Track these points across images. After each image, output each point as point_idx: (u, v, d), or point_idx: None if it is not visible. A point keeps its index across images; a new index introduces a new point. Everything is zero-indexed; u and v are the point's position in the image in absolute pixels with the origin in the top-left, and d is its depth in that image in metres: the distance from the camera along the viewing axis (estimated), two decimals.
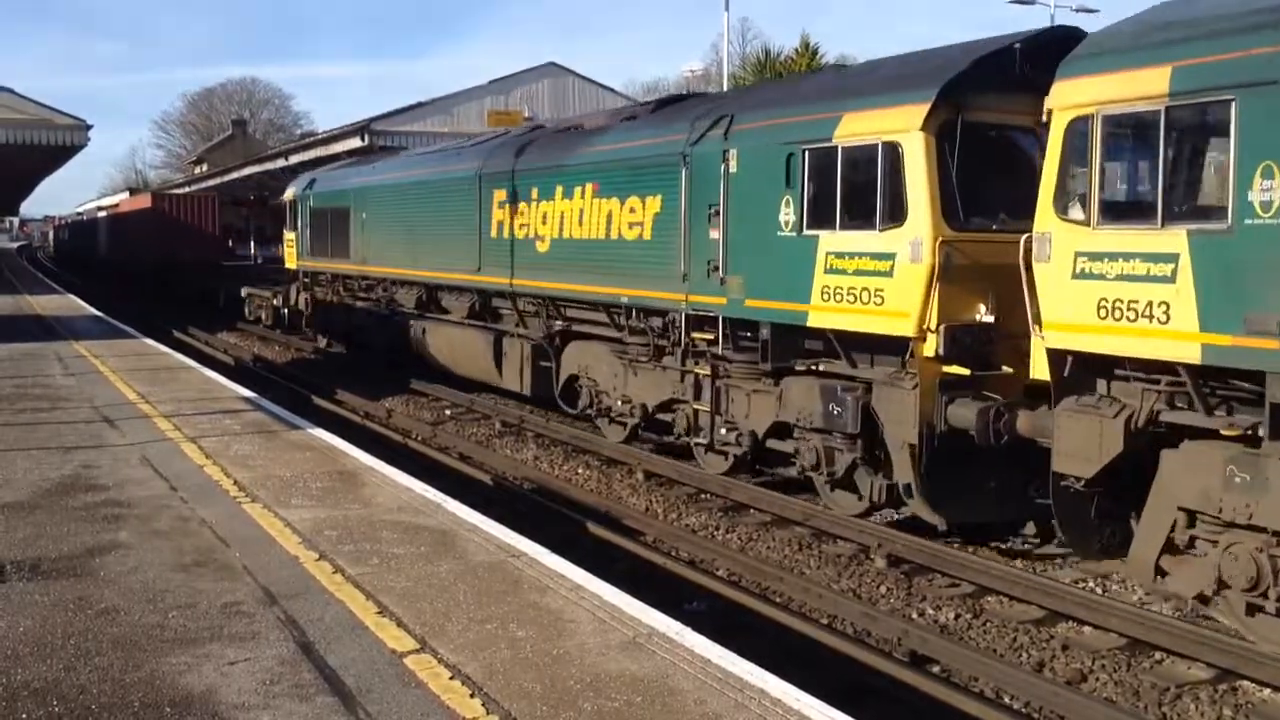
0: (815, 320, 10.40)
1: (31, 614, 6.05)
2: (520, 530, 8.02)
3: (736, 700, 5.00)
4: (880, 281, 9.64)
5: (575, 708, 4.92)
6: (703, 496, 12.26)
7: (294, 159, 39.18)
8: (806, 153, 10.39)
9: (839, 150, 10.06)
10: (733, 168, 11.33)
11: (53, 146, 23.67)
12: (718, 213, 11.46)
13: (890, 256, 9.55)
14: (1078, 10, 36.05)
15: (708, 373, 12.14)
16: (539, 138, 16.39)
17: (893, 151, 9.56)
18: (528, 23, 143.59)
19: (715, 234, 11.53)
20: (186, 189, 56.77)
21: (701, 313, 12.00)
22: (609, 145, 13.92)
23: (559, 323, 15.28)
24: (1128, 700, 7.16)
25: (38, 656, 5.46)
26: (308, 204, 25.06)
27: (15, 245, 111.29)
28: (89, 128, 23.56)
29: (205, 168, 70.21)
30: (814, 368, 10.91)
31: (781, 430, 11.27)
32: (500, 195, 15.94)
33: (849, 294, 9.95)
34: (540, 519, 10.92)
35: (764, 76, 32.49)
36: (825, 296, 10.20)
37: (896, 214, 9.55)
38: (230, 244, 48.23)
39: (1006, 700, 7.17)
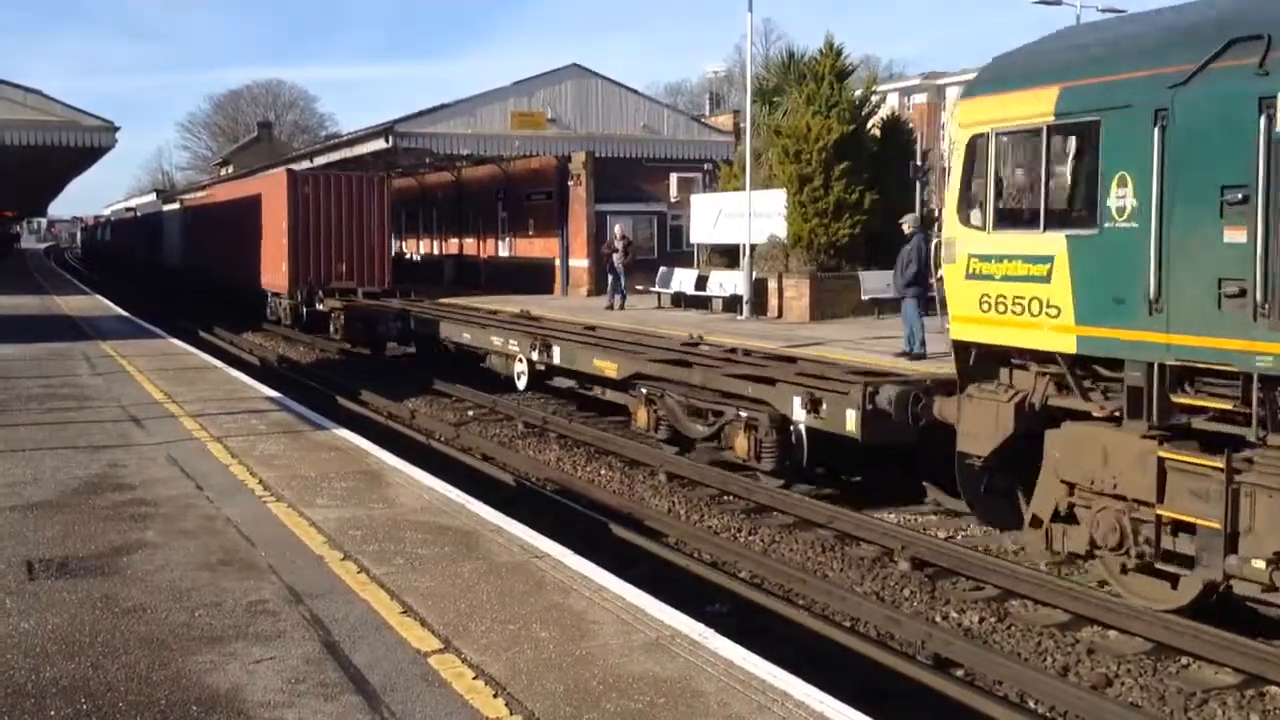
0: None
1: (59, 612, 6.10)
2: (543, 531, 8.03)
3: (760, 703, 4.99)
4: None
5: (598, 708, 4.93)
6: (725, 498, 12.24)
7: (319, 160, 39.36)
8: None
9: None
10: None
11: (80, 148, 23.89)
12: None
13: None
14: (1104, 11, 35.83)
15: None
16: None
17: None
18: (549, 24, 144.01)
19: None
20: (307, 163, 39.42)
21: None
22: None
23: None
24: (1154, 705, 7.12)
25: (65, 654, 5.50)
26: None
27: (43, 246, 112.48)
28: (116, 129, 23.77)
29: (232, 169, 70.66)
30: None
31: None
32: None
33: None
34: (563, 520, 10.93)
35: (788, 78, 32.32)
36: None
37: None
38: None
39: (1031, 705, 7.14)
